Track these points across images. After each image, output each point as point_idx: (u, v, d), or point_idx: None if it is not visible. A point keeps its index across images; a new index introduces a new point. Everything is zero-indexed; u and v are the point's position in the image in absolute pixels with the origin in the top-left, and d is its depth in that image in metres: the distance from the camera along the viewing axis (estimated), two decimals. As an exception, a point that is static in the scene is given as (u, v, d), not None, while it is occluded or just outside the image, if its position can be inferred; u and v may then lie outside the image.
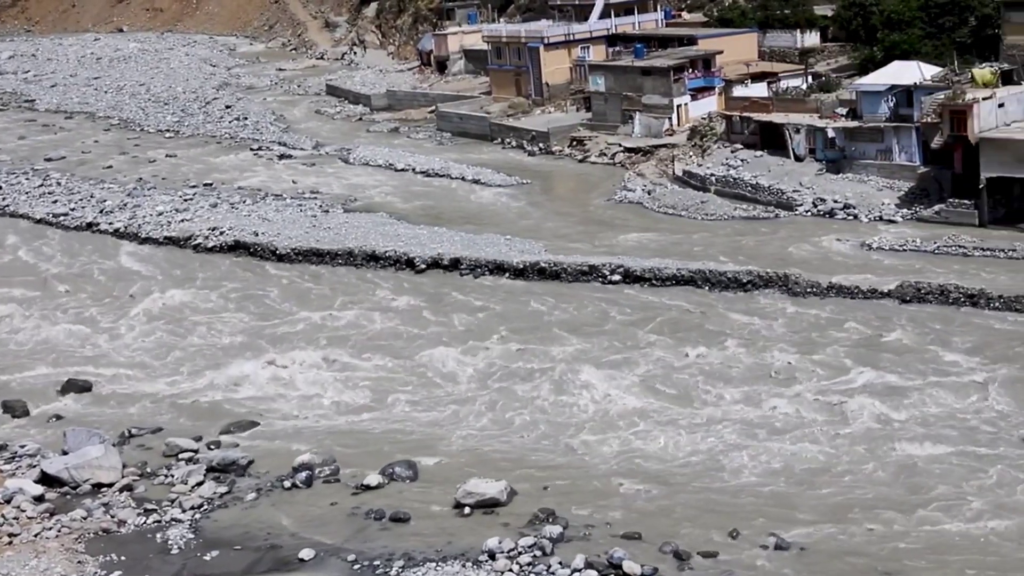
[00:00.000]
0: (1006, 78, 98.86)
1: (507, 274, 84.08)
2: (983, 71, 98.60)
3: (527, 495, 52.48)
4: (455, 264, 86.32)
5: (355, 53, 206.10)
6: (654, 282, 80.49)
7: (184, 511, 53.29)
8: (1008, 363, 64.02)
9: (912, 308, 73.43)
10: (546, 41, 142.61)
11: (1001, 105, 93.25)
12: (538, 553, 47.27)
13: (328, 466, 56.27)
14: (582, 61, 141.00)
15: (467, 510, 51.48)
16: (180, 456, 58.62)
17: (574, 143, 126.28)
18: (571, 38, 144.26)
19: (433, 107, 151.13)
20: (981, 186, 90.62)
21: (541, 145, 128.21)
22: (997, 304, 72.70)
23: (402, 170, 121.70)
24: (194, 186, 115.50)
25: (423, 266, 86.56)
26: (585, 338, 71.51)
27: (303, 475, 55.35)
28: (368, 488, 54.17)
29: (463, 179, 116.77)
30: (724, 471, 54.41)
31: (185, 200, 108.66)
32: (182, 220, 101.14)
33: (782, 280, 78.54)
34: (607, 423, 60.11)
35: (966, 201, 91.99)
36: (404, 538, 49.55)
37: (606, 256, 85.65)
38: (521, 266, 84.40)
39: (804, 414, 59.65)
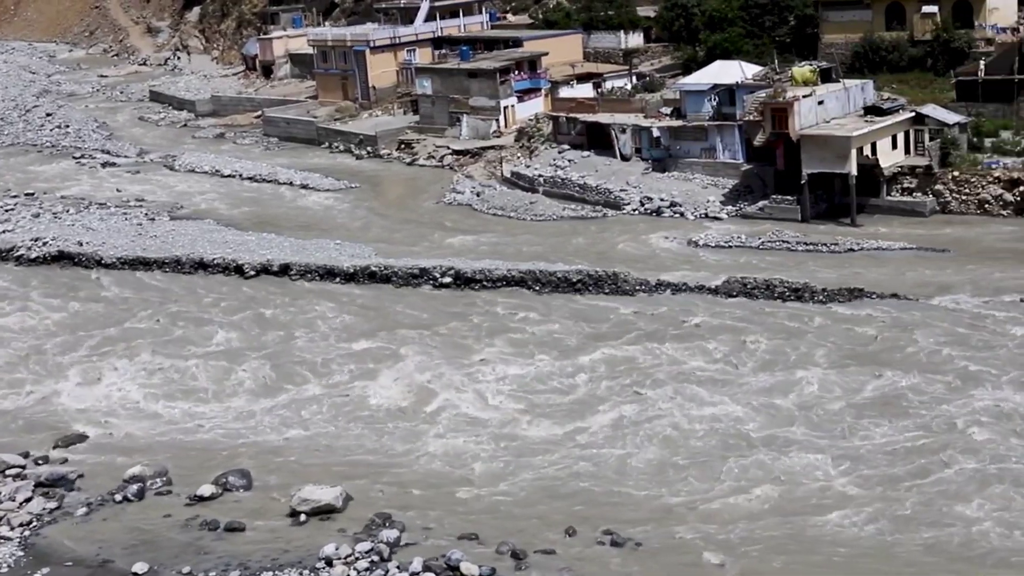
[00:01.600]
0: (825, 76, 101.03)
1: (337, 279, 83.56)
2: (803, 69, 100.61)
3: (363, 500, 52.22)
4: (285, 270, 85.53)
5: (178, 58, 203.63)
6: (485, 283, 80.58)
7: (12, 528, 52.04)
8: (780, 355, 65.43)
9: (734, 302, 74.45)
10: (372, 44, 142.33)
11: (821, 103, 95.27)
12: (376, 558, 47.05)
13: (160, 478, 55.37)
14: (409, 64, 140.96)
15: (303, 517, 51.06)
16: (7, 473, 57.20)
17: (402, 146, 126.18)
18: (397, 41, 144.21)
19: (259, 112, 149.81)
20: (803, 182, 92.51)
21: (369, 149, 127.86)
22: (820, 297, 74.09)
23: (229, 176, 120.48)
24: (15, 196, 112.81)
25: (252, 272, 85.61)
26: (421, 342, 71.25)
27: (134, 488, 54.39)
28: (201, 499, 53.42)
29: (291, 184, 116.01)
30: (560, 471, 54.62)
31: (5, 211, 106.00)
32: (3, 231, 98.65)
33: (611, 279, 79.14)
34: (444, 426, 60.00)
35: (789, 197, 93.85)
36: (240, 548, 48.94)
37: (437, 259, 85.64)
38: (351, 270, 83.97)
39: (638, 414, 60.03)
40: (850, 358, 64.49)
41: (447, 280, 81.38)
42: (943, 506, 49.33)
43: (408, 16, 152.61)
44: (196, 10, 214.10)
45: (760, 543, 47.20)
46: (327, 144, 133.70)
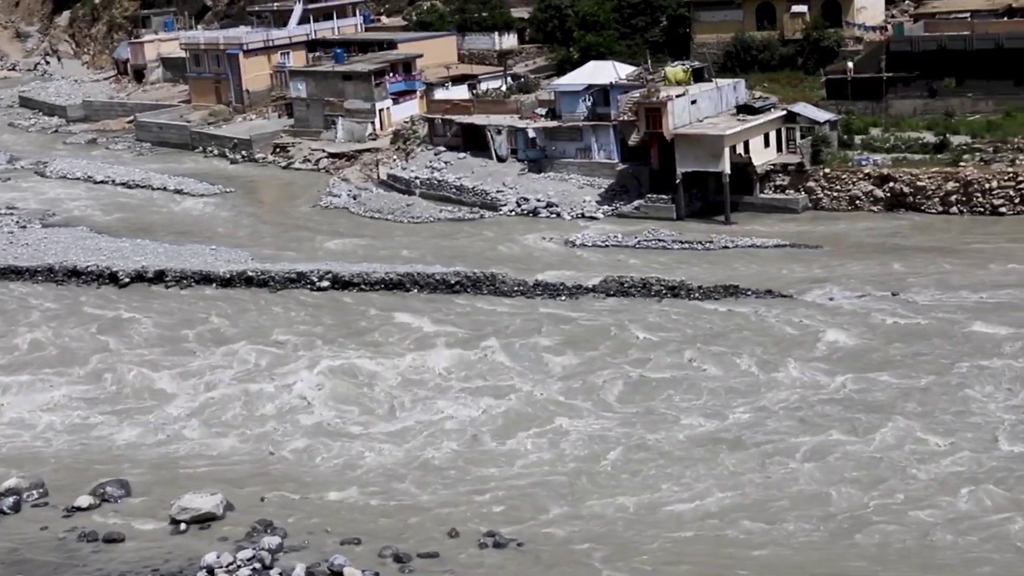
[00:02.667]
0: (697, 76, 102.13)
1: (214, 284, 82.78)
2: (676, 69, 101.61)
3: (244, 507, 51.79)
4: (160, 276, 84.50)
5: (48, 63, 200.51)
6: (363, 287, 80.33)
7: None
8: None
9: (612, 301, 74.94)
10: (245, 48, 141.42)
11: (694, 102, 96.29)
12: (258, 565, 46.69)
13: (36, 489, 54.48)
14: (283, 67, 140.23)
15: (183, 526, 50.55)
16: None
17: (277, 150, 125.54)
18: (271, 44, 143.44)
19: (132, 117, 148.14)
20: (677, 181, 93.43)
21: (244, 153, 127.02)
22: (697, 295, 74.80)
23: (101, 182, 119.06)
24: None
25: (127, 280, 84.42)
26: (301, 345, 70.85)
27: (10, 500, 53.45)
28: (79, 510, 52.62)
29: (165, 189, 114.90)
30: (440, 473, 54.65)
31: None
32: None
33: (489, 280, 79.28)
34: (323, 431, 59.68)
35: (664, 196, 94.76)
36: (119, 558, 48.33)
37: (314, 262, 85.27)
38: (228, 276, 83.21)
39: (511, 414, 60.15)
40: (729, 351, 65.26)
41: (325, 284, 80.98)
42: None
43: (281, 19, 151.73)
44: (66, 14, 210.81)
45: (646, 544, 47.51)
46: (201, 149, 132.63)
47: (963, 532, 46.38)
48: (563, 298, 76.09)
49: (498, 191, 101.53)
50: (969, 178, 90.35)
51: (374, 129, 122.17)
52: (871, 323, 68.04)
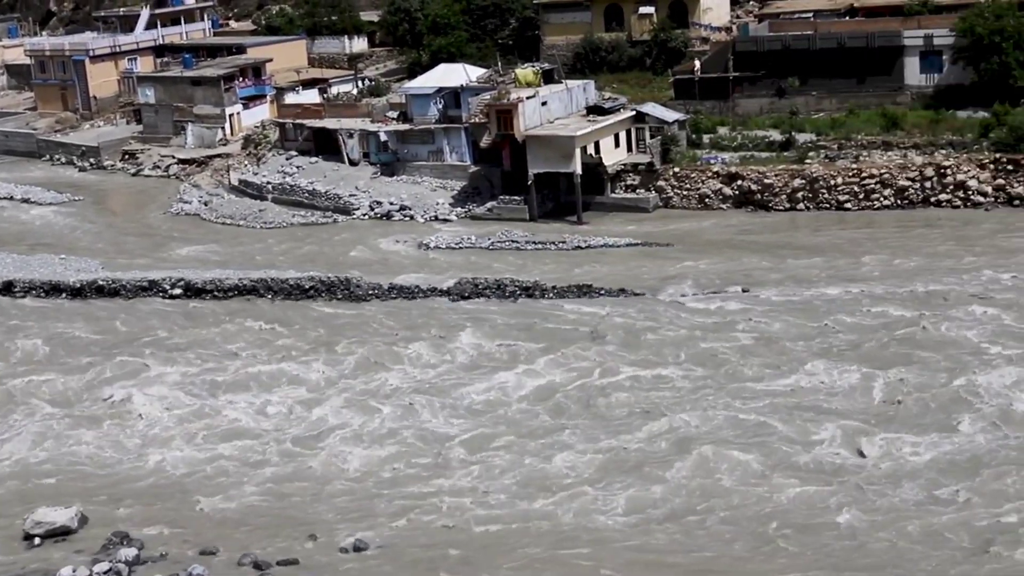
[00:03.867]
0: (548, 77, 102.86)
1: (64, 294, 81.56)
2: (526, 71, 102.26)
3: (100, 519, 51.10)
4: (8, 287, 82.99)
5: None
6: (216, 294, 79.70)
7: None
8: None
9: (469, 304, 75.22)
10: (92, 54, 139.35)
11: (544, 103, 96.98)
12: (115, 577, 46.31)
13: None
14: (130, 73, 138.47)
15: (37, 540, 49.80)
16: None
17: (126, 156, 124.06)
18: (118, 50, 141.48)
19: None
20: (529, 182, 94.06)
21: (92, 160, 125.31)
22: (551, 295, 75.34)
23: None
24: None
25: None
26: (153, 355, 70.03)
27: None
28: (-72, 527, 51.73)
29: (11, 198, 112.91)
30: (298, 479, 54.38)
31: None
32: None
33: (344, 284, 79.14)
34: (178, 441, 59.09)
35: (516, 197, 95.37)
36: (-29, 575, 47.61)
37: (166, 270, 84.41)
38: (78, 285, 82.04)
39: (370, 416, 60.16)
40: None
41: (177, 292, 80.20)
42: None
43: (128, 24, 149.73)
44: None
45: (504, 546, 47.79)
46: (48, 156, 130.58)
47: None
48: (418, 299, 76.30)
49: (351, 195, 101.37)
50: (815, 175, 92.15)
51: (224, 134, 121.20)
52: (723, 320, 69.15)
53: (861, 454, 52.49)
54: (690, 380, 61.24)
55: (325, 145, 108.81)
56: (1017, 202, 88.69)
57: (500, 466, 53.92)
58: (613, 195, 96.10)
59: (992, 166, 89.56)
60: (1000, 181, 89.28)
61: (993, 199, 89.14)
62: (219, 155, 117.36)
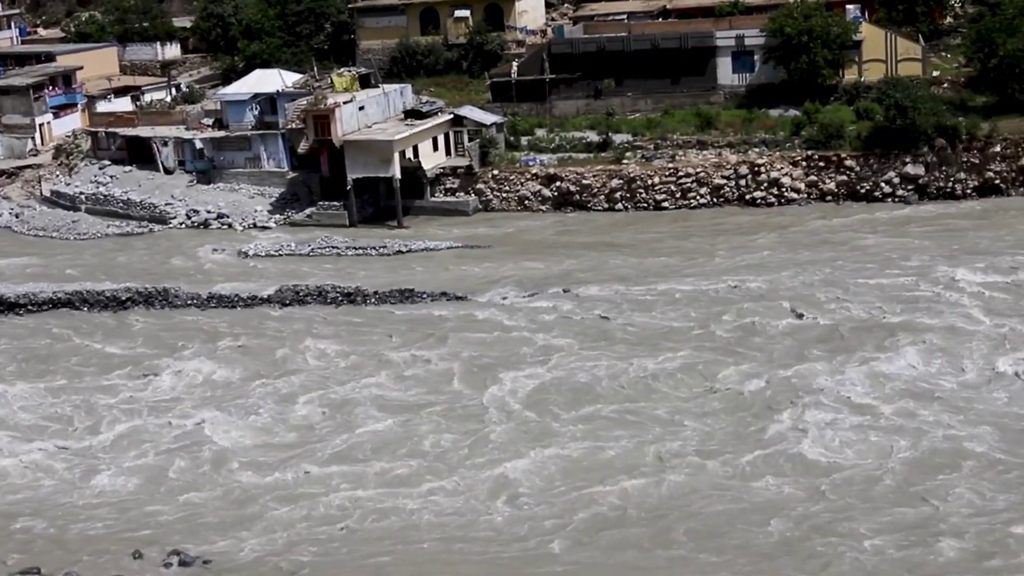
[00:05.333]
0: (364, 82, 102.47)
1: None
2: (342, 76, 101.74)
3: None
4: None
5: None
6: (31, 307, 77.88)
7: None
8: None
9: (291, 310, 74.56)
10: None
11: (361, 108, 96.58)
12: (-75, 601, 44.97)
13: None
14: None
15: None
16: None
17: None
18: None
19: None
20: (348, 187, 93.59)
21: None
22: (373, 300, 75.02)
23: None
24: None
25: None
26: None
27: None
28: None
29: None
30: (119, 495, 53.30)
31: None
32: None
33: (162, 295, 77.91)
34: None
35: (335, 203, 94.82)
36: None
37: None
38: None
39: (191, 432, 59.36)
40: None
41: (-11, 306, 78.31)
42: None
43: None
44: None
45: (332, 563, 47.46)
46: None
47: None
48: (239, 309, 75.51)
49: (167, 204, 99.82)
50: (632, 175, 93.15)
51: (35, 144, 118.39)
52: (542, 319, 69.64)
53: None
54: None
55: (139, 154, 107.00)
56: (829, 198, 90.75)
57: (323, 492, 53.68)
58: (433, 199, 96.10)
59: (804, 163, 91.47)
60: (812, 178, 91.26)
61: (806, 195, 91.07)
62: (30, 166, 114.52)
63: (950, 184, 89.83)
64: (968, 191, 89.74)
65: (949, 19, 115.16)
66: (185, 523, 50.36)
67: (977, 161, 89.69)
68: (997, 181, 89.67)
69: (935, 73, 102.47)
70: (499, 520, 48.66)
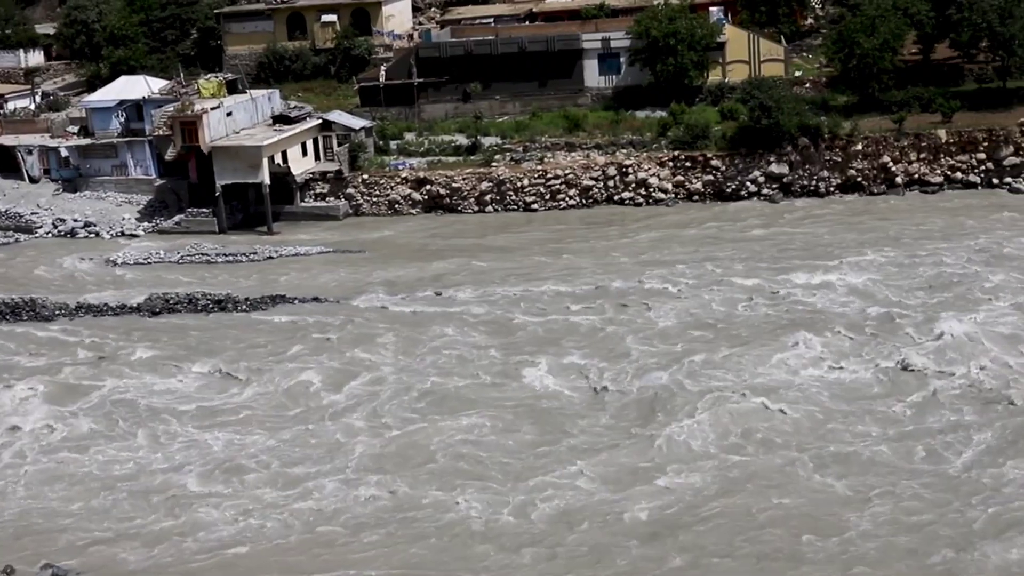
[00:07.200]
0: (231, 87, 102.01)
1: None
2: (209, 82, 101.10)
3: None
4: None
5: None
6: None
7: None
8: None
9: (162, 320, 74.05)
10: None
11: (229, 114, 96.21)
12: None
13: None
14: None
15: None
16: None
17: None
18: None
19: None
20: (217, 194, 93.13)
21: None
22: (244, 306, 74.69)
23: None
24: None
25: None
26: None
27: None
28: None
29: None
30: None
31: None
32: None
33: (30, 306, 76.90)
34: None
35: (205, 210, 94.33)
36: None
37: None
38: None
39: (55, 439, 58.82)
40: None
41: None
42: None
43: None
44: None
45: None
46: None
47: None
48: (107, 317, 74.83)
49: (32, 213, 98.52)
50: (501, 177, 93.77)
51: None
52: (415, 321, 69.96)
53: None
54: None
55: (3, 162, 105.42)
56: (696, 198, 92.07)
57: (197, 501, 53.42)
58: (303, 204, 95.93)
59: (671, 164, 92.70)
60: (680, 178, 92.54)
61: (674, 195, 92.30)
62: None
63: (814, 182, 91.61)
64: (831, 189, 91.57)
65: (810, 20, 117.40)
66: (68, 534, 49.92)
67: (840, 159, 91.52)
68: (859, 179, 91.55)
69: (797, 73, 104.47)
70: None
